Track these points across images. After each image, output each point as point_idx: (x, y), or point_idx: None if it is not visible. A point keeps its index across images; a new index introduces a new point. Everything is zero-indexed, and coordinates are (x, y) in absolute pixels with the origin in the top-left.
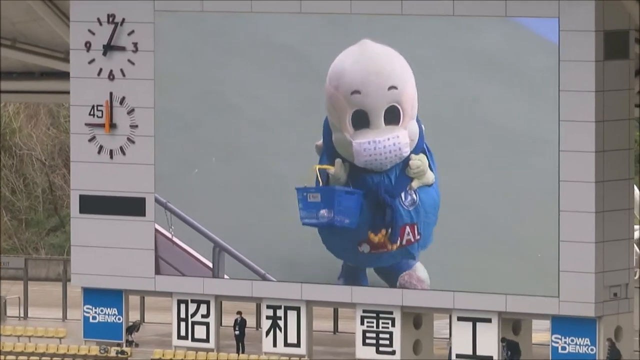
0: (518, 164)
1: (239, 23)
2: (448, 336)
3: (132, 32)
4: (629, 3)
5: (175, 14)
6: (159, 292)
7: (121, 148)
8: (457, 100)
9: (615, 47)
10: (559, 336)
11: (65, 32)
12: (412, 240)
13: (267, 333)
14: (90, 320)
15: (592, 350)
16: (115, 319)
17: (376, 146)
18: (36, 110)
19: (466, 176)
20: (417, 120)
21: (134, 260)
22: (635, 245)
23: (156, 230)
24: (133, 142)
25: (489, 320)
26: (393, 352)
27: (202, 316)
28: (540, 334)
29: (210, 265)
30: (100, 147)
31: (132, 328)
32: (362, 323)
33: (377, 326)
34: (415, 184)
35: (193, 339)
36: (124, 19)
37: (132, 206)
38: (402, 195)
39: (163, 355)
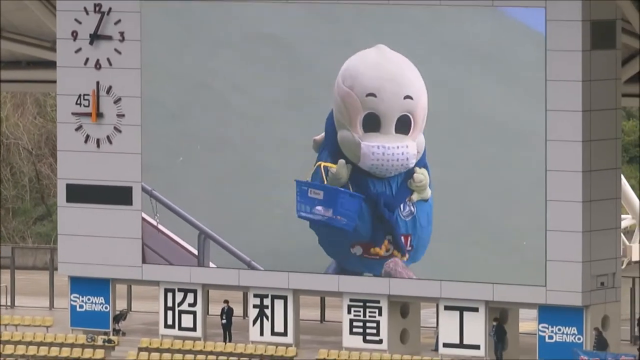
0: (505, 154)
1: (226, 13)
2: (435, 325)
3: (119, 21)
4: None
5: (162, 3)
6: (146, 281)
7: (108, 137)
8: (443, 91)
9: (602, 36)
10: (546, 325)
11: (52, 21)
12: (405, 253)
13: (254, 322)
14: (78, 309)
15: (579, 339)
16: (102, 307)
17: (385, 152)
18: (23, 100)
19: (453, 167)
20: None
21: (121, 249)
22: (622, 235)
23: (142, 218)
24: (120, 131)
25: (476, 310)
26: (380, 341)
27: (189, 305)
28: (527, 323)
29: (196, 252)
30: (87, 137)
31: (119, 317)
32: (349, 312)
33: (364, 315)
34: (415, 197)
35: (180, 328)
36: (110, 8)
37: (119, 195)
38: (401, 205)
39: (150, 344)
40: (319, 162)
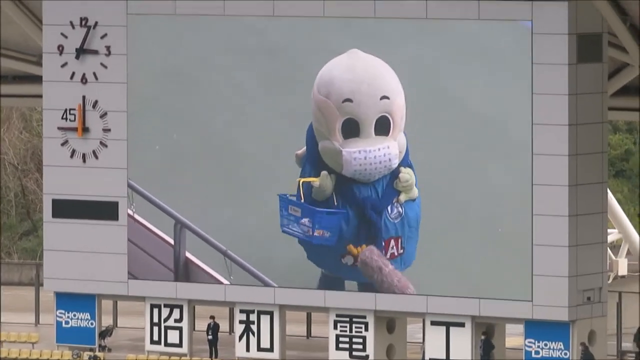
0: (491, 168)
1: (212, 27)
2: (421, 340)
3: (105, 35)
4: (602, 4)
5: (148, 18)
6: (131, 297)
7: (94, 152)
8: (430, 101)
9: (588, 50)
10: (533, 340)
11: (38, 35)
12: (396, 254)
13: (240, 337)
14: (63, 325)
15: (565, 354)
16: (88, 323)
17: (367, 155)
18: (9, 114)
19: (439, 180)
20: (404, 133)
21: (106, 265)
22: (608, 249)
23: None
24: (106, 146)
25: (462, 325)
26: (366, 357)
27: (175, 321)
28: (514, 338)
29: (172, 242)
30: (73, 151)
31: (105, 333)
32: (335, 327)
33: (351, 330)
34: (402, 197)
35: (166, 344)
36: (96, 22)
37: (105, 210)
38: (389, 208)
39: None
40: (298, 179)
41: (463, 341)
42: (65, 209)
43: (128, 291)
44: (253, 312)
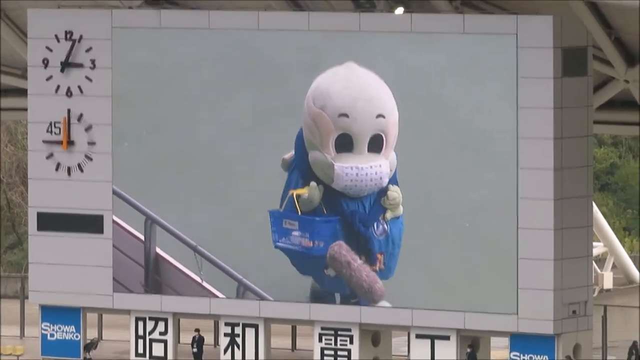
0: (476, 180)
1: (197, 39)
2: (406, 353)
3: (90, 48)
4: (586, 18)
5: (133, 31)
6: (116, 310)
7: (79, 165)
8: (414, 114)
9: (573, 63)
10: (518, 353)
11: (22, 49)
12: (377, 270)
13: (225, 351)
14: (48, 337)
15: None
16: (73, 336)
17: (359, 172)
18: None
19: (423, 192)
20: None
21: (91, 278)
22: (594, 263)
23: None
24: (91, 159)
25: (447, 338)
26: None
27: (160, 333)
28: (499, 351)
29: (142, 238)
30: (58, 164)
31: (90, 346)
32: (320, 340)
33: (336, 343)
34: (388, 215)
35: (151, 357)
36: (81, 36)
37: (90, 223)
38: (375, 224)
39: None
40: (290, 191)
41: (448, 354)
42: (50, 222)
43: (113, 304)
44: (238, 325)
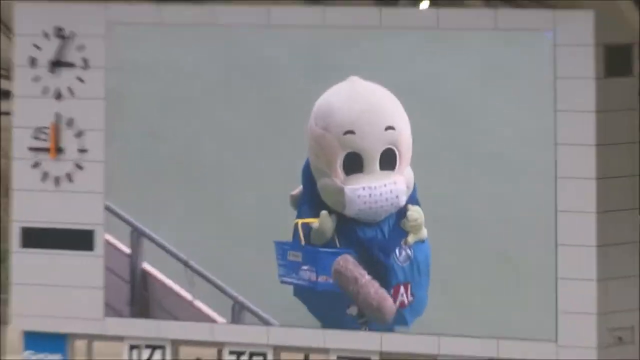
0: (510, 193)
1: (196, 40)
2: None
3: (82, 46)
4: (631, 12)
5: (130, 26)
6: (108, 336)
7: (68, 175)
8: (448, 124)
9: (617, 62)
10: None
11: (9, 47)
12: (406, 302)
13: None
14: None
15: None
16: None
17: (372, 192)
18: None
19: (454, 208)
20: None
21: (80, 301)
22: None
23: None
24: (81, 168)
25: None
26: None
27: None
28: None
29: (129, 252)
30: (45, 174)
31: None
32: None
33: None
34: (411, 238)
35: None
36: (73, 32)
37: (80, 240)
38: (397, 250)
39: None
40: (296, 220)
41: None
42: (36, 238)
43: (104, 330)
44: (244, 353)
